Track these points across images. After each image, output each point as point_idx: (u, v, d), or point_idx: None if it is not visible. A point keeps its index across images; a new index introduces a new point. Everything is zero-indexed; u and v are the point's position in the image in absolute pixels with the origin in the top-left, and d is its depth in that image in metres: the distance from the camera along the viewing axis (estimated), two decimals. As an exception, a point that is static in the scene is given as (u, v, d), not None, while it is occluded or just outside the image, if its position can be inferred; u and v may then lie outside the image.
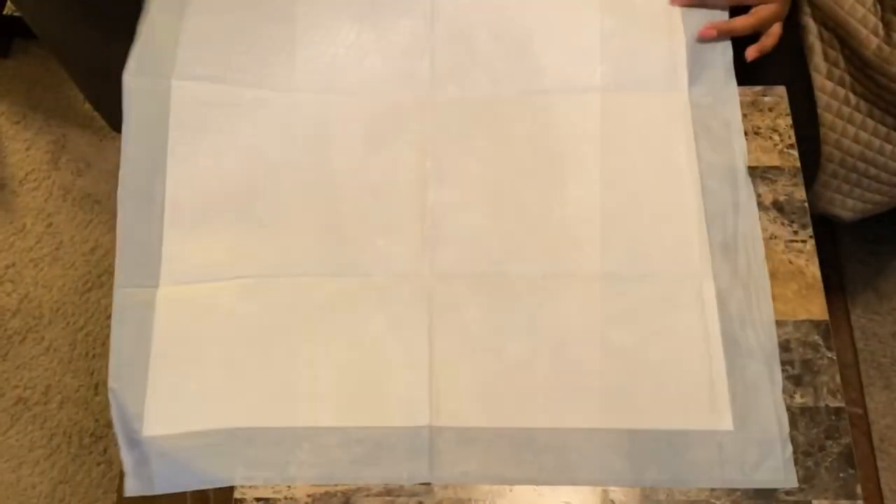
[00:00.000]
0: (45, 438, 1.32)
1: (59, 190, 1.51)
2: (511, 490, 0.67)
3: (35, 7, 1.25)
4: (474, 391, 0.69)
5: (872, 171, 1.04)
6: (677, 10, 0.83)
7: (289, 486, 0.67)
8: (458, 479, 0.66)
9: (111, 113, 1.46)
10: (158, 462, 0.67)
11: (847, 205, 1.10)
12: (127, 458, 0.68)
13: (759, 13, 0.84)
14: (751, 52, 0.84)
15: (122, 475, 0.90)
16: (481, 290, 0.72)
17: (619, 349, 0.70)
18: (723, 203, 0.75)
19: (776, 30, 0.87)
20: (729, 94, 0.80)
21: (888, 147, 1.01)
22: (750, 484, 0.66)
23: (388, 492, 0.67)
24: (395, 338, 0.70)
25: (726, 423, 0.67)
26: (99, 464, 1.30)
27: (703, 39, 0.81)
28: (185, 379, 0.70)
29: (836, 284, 1.40)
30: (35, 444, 1.32)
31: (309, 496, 0.67)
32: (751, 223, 0.75)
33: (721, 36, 0.82)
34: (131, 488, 0.67)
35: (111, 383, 0.69)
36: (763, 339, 0.70)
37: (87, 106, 1.55)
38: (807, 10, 0.99)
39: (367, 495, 0.67)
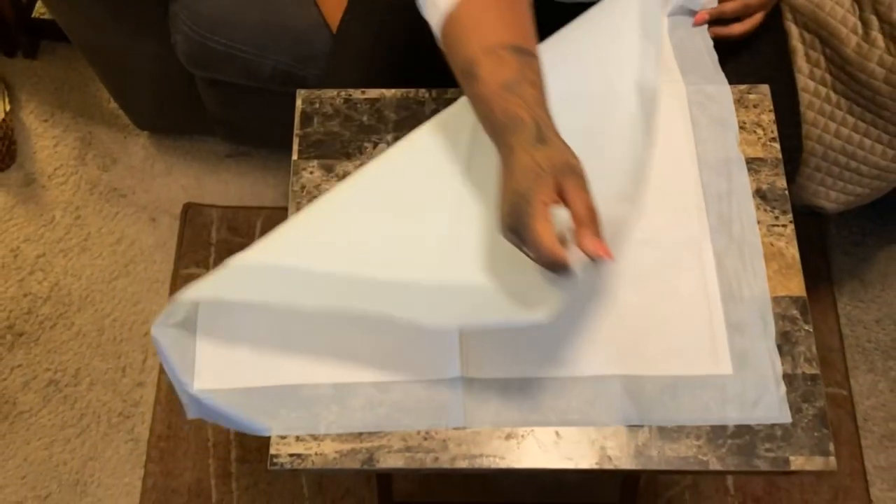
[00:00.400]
0: (76, 418, 1.40)
1: (86, 184, 1.58)
2: (518, 446, 0.74)
3: (67, 10, 1.32)
4: (500, 345, 0.76)
5: (853, 164, 1.11)
6: (664, 20, 0.91)
7: (318, 443, 0.74)
8: (489, 423, 0.74)
9: (136, 110, 1.54)
10: (206, 409, 0.75)
11: (831, 196, 1.17)
12: (180, 393, 0.75)
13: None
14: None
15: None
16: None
17: (629, 306, 0.78)
18: (718, 182, 0.84)
19: (753, 20, 0.94)
20: (721, 92, 0.88)
21: (867, 142, 1.08)
22: (749, 420, 0.74)
23: (407, 448, 0.74)
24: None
25: (726, 367, 0.75)
26: (126, 441, 1.38)
27: (698, 24, 0.90)
28: (231, 340, 0.77)
29: (824, 274, 1.48)
30: (66, 424, 1.39)
31: (336, 452, 0.74)
32: (744, 197, 0.83)
33: (713, 18, 0.91)
34: (192, 413, 0.76)
35: (157, 334, 0.75)
36: (756, 293, 0.79)
37: (113, 104, 1.62)
38: (788, 15, 1.07)
39: (389, 451, 0.74)
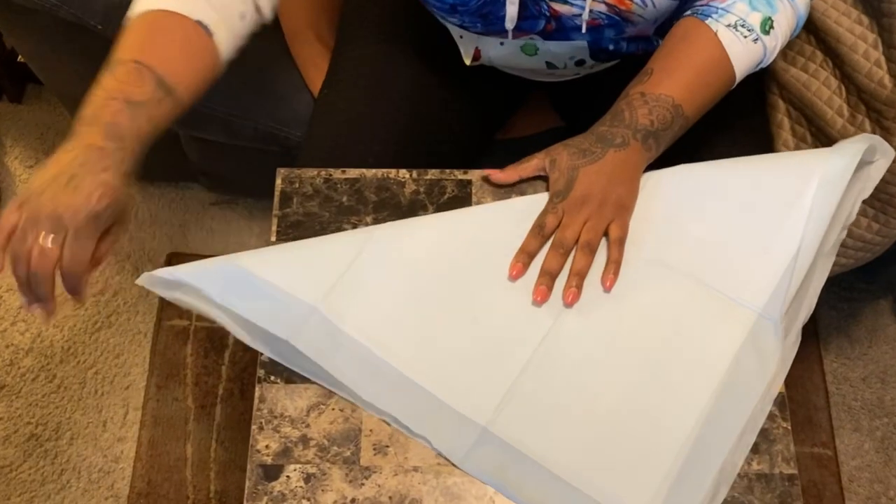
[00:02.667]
0: (56, 473, 1.39)
1: (70, 232, 1.57)
2: None
3: (47, 64, 1.32)
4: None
5: (838, 236, 1.11)
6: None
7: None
8: (481, 477, 0.74)
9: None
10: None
11: (816, 265, 1.17)
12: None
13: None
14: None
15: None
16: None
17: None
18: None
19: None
20: None
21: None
22: None
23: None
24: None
25: None
26: (107, 498, 1.36)
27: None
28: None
29: (810, 331, 1.47)
30: (46, 479, 1.38)
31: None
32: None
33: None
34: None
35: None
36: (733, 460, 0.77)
37: (97, 151, 1.61)
38: (775, 90, 1.06)
39: None
